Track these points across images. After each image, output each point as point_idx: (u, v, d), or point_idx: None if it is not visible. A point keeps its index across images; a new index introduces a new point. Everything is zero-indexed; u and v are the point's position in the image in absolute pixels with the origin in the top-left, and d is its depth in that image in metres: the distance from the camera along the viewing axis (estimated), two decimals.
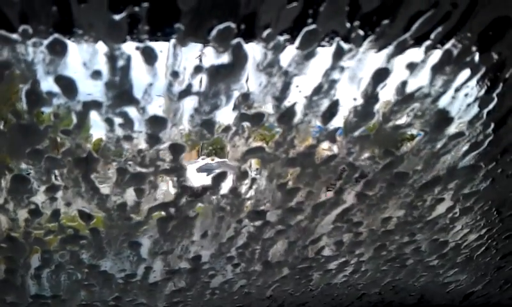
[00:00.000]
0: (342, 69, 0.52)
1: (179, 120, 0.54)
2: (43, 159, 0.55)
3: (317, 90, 0.54)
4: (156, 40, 0.47)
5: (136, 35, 0.45)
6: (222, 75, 0.49)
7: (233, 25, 0.46)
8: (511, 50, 0.55)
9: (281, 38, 0.48)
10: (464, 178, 0.68)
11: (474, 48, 0.54)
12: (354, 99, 0.56)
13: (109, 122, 0.53)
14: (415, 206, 0.71)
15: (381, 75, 0.53)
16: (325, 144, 0.61)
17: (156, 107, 0.53)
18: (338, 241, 0.76)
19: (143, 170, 0.59)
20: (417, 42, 0.51)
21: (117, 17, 0.44)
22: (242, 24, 0.46)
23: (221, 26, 0.46)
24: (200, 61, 0.50)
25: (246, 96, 0.53)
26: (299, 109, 0.56)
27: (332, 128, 0.58)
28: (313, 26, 0.47)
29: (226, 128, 0.57)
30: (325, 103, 0.55)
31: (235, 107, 0.54)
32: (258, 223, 0.70)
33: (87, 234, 0.66)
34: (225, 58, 0.49)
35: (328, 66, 0.52)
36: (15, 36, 0.43)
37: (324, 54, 0.51)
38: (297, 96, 0.55)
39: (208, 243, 0.71)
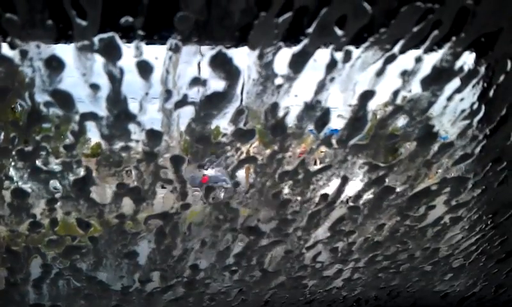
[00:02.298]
0: (333, 79, 0.53)
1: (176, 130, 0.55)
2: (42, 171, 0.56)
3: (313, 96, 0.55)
4: (153, 44, 0.48)
5: (132, 42, 0.46)
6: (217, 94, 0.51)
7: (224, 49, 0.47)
8: (500, 60, 0.56)
9: (274, 48, 0.49)
10: (457, 186, 0.69)
11: (465, 58, 0.54)
12: (349, 105, 0.57)
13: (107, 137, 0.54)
14: (407, 214, 0.72)
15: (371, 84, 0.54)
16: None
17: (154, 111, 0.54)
18: (334, 248, 0.77)
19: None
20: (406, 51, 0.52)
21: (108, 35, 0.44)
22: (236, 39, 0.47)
23: (214, 51, 0.47)
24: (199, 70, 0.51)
25: (241, 110, 0.54)
26: (295, 116, 0.57)
27: (328, 132, 0.59)
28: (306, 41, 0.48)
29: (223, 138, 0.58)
30: (320, 110, 0.56)
31: (231, 120, 0.55)
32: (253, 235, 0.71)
33: (85, 243, 0.67)
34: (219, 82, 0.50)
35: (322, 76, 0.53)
36: (12, 53, 0.44)
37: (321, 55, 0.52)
38: (293, 104, 0.56)
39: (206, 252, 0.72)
